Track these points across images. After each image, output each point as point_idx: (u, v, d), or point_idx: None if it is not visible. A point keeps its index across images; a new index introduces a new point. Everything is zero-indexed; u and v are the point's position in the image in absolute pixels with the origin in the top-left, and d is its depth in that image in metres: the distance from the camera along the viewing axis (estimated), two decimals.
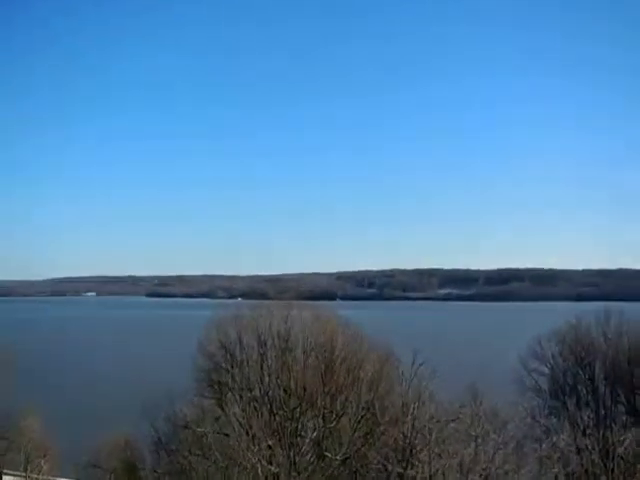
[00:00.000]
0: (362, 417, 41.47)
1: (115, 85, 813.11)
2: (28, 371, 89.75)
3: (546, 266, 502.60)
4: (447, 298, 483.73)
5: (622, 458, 33.50)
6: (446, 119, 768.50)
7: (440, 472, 36.34)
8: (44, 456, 64.23)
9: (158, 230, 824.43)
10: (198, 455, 37.22)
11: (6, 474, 69.66)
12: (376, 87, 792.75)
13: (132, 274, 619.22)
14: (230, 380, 44.93)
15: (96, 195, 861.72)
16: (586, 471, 33.95)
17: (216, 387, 46.38)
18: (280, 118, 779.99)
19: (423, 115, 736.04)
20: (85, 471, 55.41)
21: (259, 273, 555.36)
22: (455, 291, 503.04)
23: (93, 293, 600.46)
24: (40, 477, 66.17)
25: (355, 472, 39.43)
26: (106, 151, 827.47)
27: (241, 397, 42.95)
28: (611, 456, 34.22)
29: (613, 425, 41.61)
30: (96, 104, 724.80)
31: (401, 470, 36.75)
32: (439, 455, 36.29)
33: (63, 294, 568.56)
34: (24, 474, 65.74)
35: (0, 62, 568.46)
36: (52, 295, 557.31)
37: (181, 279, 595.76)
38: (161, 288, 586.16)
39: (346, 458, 39.31)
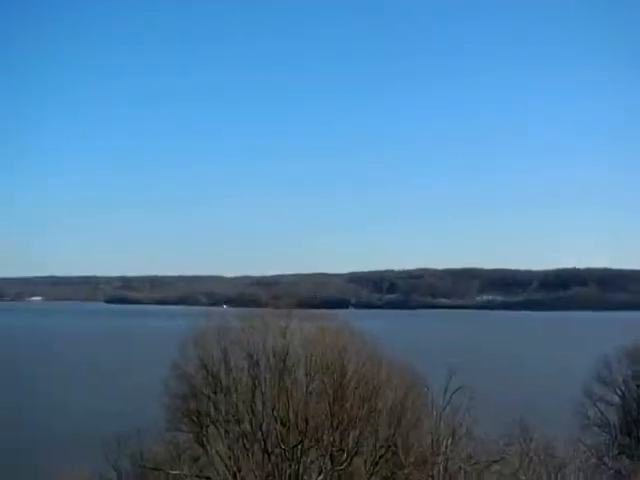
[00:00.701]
0: (380, 457, 41.57)
1: None
2: None
3: (615, 266, 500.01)
4: (489, 306, 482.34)
5: None
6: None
7: None
8: None
9: (122, 221, 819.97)
10: None
11: None
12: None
13: (89, 274, 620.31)
14: (213, 410, 45.02)
15: (47, 176, 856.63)
16: None
17: (195, 418, 46.44)
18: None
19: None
20: None
21: (249, 274, 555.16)
22: (500, 297, 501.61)
23: (39, 297, 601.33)
24: None
25: None
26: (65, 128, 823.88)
27: (227, 431, 43.02)
28: None
29: None
30: None
31: None
32: None
33: (0, 298, 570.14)
34: None
35: None
36: None
37: (151, 281, 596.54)
38: (125, 292, 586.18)
39: None
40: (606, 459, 44.80)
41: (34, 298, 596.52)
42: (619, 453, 47.56)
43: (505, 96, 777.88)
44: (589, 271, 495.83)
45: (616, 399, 59.14)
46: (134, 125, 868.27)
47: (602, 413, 58.67)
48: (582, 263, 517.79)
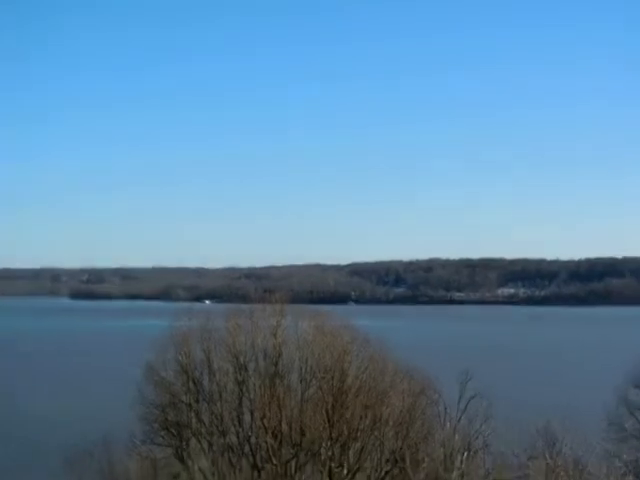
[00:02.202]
0: (387, 473, 41.84)
1: None
2: None
3: None
4: (511, 301, 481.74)
5: None
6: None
7: None
8: None
9: (88, 205, 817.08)
10: None
11: None
12: None
13: (50, 266, 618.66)
14: (195, 420, 45.26)
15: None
16: None
17: (174, 430, 46.69)
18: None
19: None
20: None
21: (236, 265, 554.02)
22: (523, 291, 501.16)
23: None
24: None
25: None
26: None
27: (210, 445, 43.28)
28: None
29: None
30: None
31: None
32: None
33: None
34: None
35: None
36: None
37: (123, 274, 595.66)
38: (93, 286, 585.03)
39: None
40: None
41: None
42: None
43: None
44: (627, 260, 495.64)
45: None
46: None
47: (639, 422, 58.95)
48: (620, 251, 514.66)
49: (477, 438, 39.96)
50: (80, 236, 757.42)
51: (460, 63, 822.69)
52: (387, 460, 42.03)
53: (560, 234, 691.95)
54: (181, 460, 42.23)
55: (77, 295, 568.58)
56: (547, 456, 39.11)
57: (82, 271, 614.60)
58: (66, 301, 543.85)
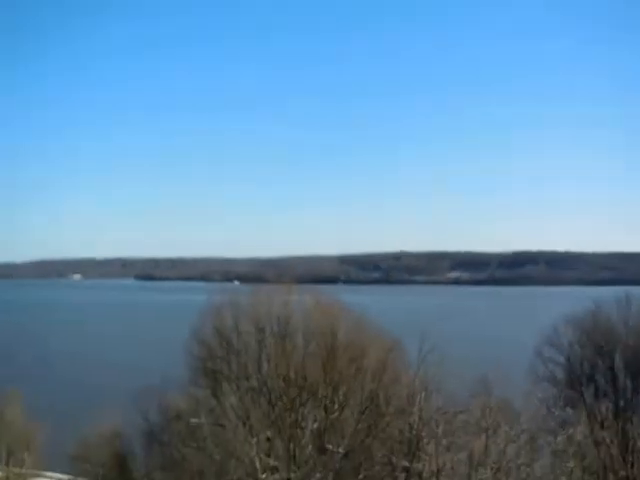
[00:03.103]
0: (366, 408, 41.68)
1: None
2: (8, 357, 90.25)
3: (562, 249, 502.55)
4: (457, 282, 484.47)
5: None
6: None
7: (448, 466, 36.65)
8: (27, 448, 64.78)
9: (150, 211, 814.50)
10: (192, 447, 37.53)
11: None
12: None
13: (122, 256, 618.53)
14: (226, 369, 45.12)
15: (84, 174, 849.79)
16: (604, 466, 34.18)
17: (211, 376, 46.57)
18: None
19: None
20: (72, 464, 55.84)
21: (257, 256, 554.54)
22: (466, 275, 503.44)
23: (79, 276, 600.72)
24: (23, 471, 66.76)
25: (358, 466, 39.70)
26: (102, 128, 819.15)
27: (238, 387, 43.16)
28: (631, 450, 34.45)
29: (633, 417, 41.82)
30: None
31: (407, 464, 37.07)
32: (447, 448, 36.58)
33: (47, 276, 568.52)
34: (5, 469, 66.28)
35: None
36: (35, 277, 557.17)
37: (175, 262, 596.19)
38: (153, 271, 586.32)
39: (349, 451, 39.58)
40: (554, 409, 45.01)
41: (75, 276, 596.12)
42: (564, 405, 47.79)
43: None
44: (540, 253, 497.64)
45: (562, 359, 59.34)
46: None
47: (551, 371, 58.87)
48: (534, 246, 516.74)
49: (432, 382, 39.75)
50: (143, 231, 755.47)
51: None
52: (366, 398, 41.87)
53: (493, 231, 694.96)
54: (216, 398, 42.04)
55: (142, 277, 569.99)
56: (483, 396, 39.02)
57: (146, 260, 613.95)
58: (134, 282, 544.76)
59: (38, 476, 68.92)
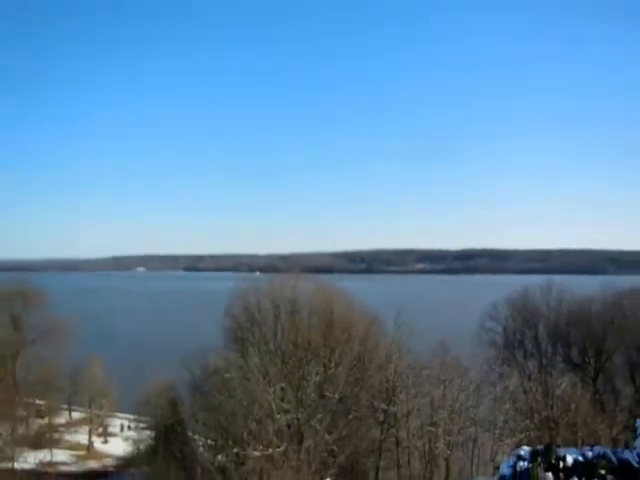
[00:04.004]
0: (354, 366, 41.67)
1: None
2: (92, 329, 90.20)
3: (501, 247, 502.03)
4: (422, 272, 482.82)
5: (560, 398, 33.60)
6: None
7: (416, 408, 36.72)
8: (104, 396, 64.78)
9: (194, 216, 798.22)
10: (225, 395, 37.40)
11: (74, 411, 70.28)
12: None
13: (173, 253, 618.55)
14: (250, 336, 45.07)
15: (146, 191, 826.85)
16: (531, 408, 34.11)
17: (239, 342, 46.52)
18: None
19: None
20: (137, 408, 55.88)
21: (274, 252, 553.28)
22: (429, 266, 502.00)
23: (143, 268, 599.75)
24: (101, 413, 66.76)
25: (349, 408, 39.70)
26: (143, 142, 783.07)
27: (259, 350, 43.09)
28: (550, 396, 34.32)
29: (552, 372, 41.76)
30: None
31: (385, 407, 37.09)
32: (415, 395, 36.64)
33: (119, 269, 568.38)
34: (88, 411, 66.31)
35: None
36: (110, 270, 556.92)
37: (213, 257, 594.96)
38: (196, 264, 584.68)
39: (342, 397, 39.57)
40: (494, 366, 44.95)
41: (139, 269, 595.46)
42: (502, 363, 47.75)
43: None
44: (484, 250, 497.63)
45: (500, 329, 59.41)
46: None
47: (492, 338, 58.96)
48: (480, 244, 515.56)
49: (403, 346, 39.75)
50: (190, 233, 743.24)
51: None
52: (355, 358, 41.84)
53: (449, 232, 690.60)
54: (243, 358, 41.82)
55: (188, 269, 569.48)
56: (441, 355, 39.00)
57: (191, 256, 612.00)
58: (182, 272, 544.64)
59: (112, 417, 68.94)
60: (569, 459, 10.83)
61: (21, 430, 47.10)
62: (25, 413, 53.40)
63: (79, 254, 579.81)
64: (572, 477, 10.78)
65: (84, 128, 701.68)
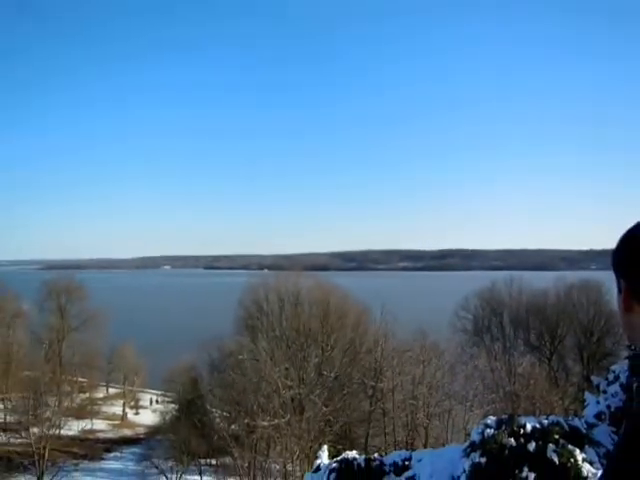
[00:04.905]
0: (347, 349, 41.72)
1: None
2: (125, 319, 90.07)
3: (470, 247, 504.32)
4: (404, 269, 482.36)
5: (521, 375, 33.65)
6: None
7: (399, 385, 36.64)
8: (136, 374, 64.66)
9: (212, 221, 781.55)
10: (238, 374, 37.39)
11: (111, 387, 70.08)
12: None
13: (193, 254, 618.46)
14: (259, 324, 45.11)
15: (171, 196, 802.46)
16: (496, 384, 34.11)
17: (250, 329, 46.55)
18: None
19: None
20: (164, 384, 55.78)
21: (279, 253, 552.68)
22: (410, 264, 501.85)
23: (168, 267, 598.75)
24: (134, 389, 66.55)
25: (343, 385, 39.71)
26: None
27: (267, 336, 43.14)
28: (513, 373, 34.39)
29: (515, 353, 41.78)
30: None
31: (373, 383, 37.02)
32: (399, 373, 36.55)
33: (147, 267, 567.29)
34: (123, 387, 66.13)
35: None
36: (140, 268, 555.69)
37: (227, 257, 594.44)
38: (214, 263, 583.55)
39: (337, 376, 39.58)
40: (465, 348, 44.90)
41: (165, 267, 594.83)
42: (472, 345, 47.74)
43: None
44: (456, 250, 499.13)
45: (470, 317, 59.40)
46: None
47: (464, 325, 58.94)
48: (452, 245, 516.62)
49: (389, 332, 39.67)
50: (207, 237, 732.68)
51: None
52: (348, 342, 41.89)
53: (427, 235, 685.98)
54: (254, 343, 41.82)
55: (207, 267, 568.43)
56: (421, 339, 38.97)
57: (208, 256, 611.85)
58: (202, 271, 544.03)
59: (143, 392, 68.75)
60: (528, 426, 10.90)
61: (66, 403, 47.01)
62: (70, 389, 53.37)
63: (112, 254, 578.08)
64: (530, 441, 10.84)
65: (107, 134, 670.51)
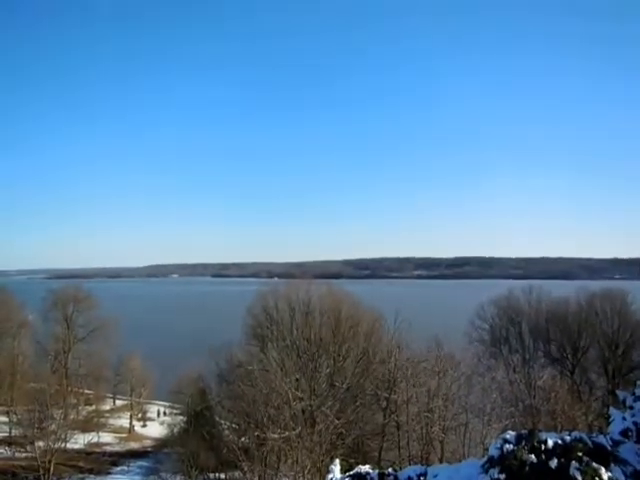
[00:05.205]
0: (360, 359, 41.37)
1: None
2: (132, 328, 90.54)
3: (487, 255, 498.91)
4: (419, 277, 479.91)
5: (541, 388, 33.08)
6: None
7: (414, 396, 36.22)
8: (143, 386, 64.85)
9: (220, 229, 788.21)
10: (247, 385, 37.27)
11: (118, 399, 70.35)
12: None
13: (202, 262, 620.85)
14: (269, 333, 45.05)
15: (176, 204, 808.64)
16: (515, 397, 33.59)
17: (259, 338, 46.53)
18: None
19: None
20: (171, 396, 55.84)
21: (289, 260, 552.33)
22: (425, 272, 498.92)
23: (176, 275, 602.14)
24: (141, 401, 66.73)
25: (355, 396, 39.36)
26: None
27: (277, 345, 43.03)
28: (533, 386, 33.84)
29: (534, 366, 41.14)
30: None
31: (387, 395, 36.66)
32: (413, 385, 36.15)
33: (156, 276, 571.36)
34: (130, 399, 66.33)
35: None
36: (148, 277, 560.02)
37: (236, 265, 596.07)
38: (222, 271, 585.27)
39: (349, 387, 39.25)
40: (482, 360, 44.34)
41: (173, 275, 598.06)
42: (489, 357, 47.17)
43: None
44: (473, 257, 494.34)
45: (487, 327, 58.73)
46: None
47: (480, 334, 58.30)
48: (469, 253, 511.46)
49: (403, 341, 39.34)
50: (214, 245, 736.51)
51: None
52: (360, 352, 41.56)
53: (442, 242, 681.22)
54: (263, 352, 41.74)
55: (215, 276, 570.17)
56: (436, 350, 38.53)
57: (217, 264, 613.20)
58: (210, 279, 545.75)
59: (150, 404, 68.91)
60: (550, 442, 10.56)
61: (72, 415, 47.15)
62: (76, 401, 53.57)
63: (121, 263, 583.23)
64: (552, 458, 10.51)
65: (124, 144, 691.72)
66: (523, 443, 10.71)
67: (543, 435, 10.89)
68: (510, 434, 11.36)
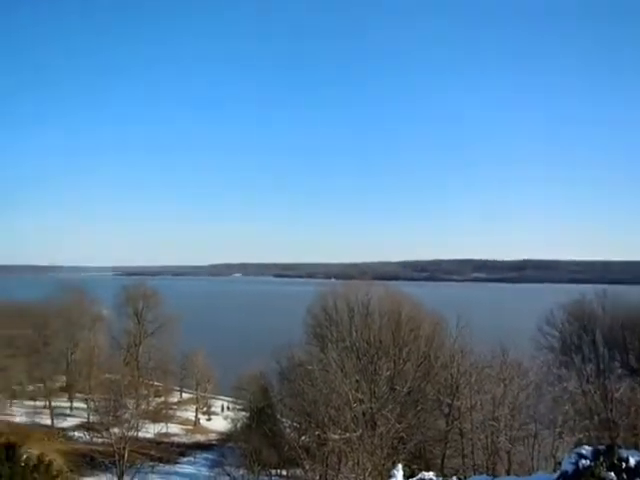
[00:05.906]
0: (421, 363, 40.02)
1: None
2: (196, 326, 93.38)
3: (547, 257, 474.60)
4: (478, 280, 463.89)
5: (619, 401, 30.34)
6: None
7: (478, 404, 34.51)
8: (208, 381, 66.50)
9: (282, 230, 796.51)
10: (308, 384, 37.01)
11: (184, 392, 72.65)
12: None
13: (264, 262, 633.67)
14: (329, 334, 44.66)
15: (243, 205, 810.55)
16: (590, 409, 31.04)
17: (319, 338, 46.25)
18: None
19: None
20: (234, 392, 56.79)
21: (346, 261, 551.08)
22: (484, 275, 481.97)
23: (239, 274, 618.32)
24: (206, 395, 68.52)
25: (417, 401, 38.03)
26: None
27: (337, 346, 42.49)
28: (610, 399, 31.13)
29: (610, 376, 37.98)
30: None
31: (450, 401, 35.16)
32: (477, 392, 34.45)
33: (219, 275, 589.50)
34: (195, 392, 68.24)
35: None
36: (212, 275, 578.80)
37: (295, 265, 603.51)
38: (283, 271, 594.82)
39: (410, 391, 37.96)
40: (552, 368, 41.59)
41: (237, 274, 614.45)
42: (560, 366, 44.16)
43: None
44: (533, 260, 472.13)
45: (557, 333, 55.13)
46: None
47: (549, 341, 54.85)
48: (530, 256, 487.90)
49: (466, 346, 37.62)
50: (277, 246, 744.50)
51: None
52: (421, 356, 40.21)
53: (503, 245, 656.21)
54: (323, 353, 41.44)
55: (276, 275, 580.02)
56: (501, 356, 36.51)
57: (278, 264, 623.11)
58: (272, 278, 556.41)
59: (214, 398, 70.60)
60: (631, 460, 9.36)
61: (143, 406, 49.08)
62: (146, 392, 55.78)
63: (185, 262, 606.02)
64: (635, 478, 9.26)
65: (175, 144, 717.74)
66: (601, 459, 9.53)
67: (624, 452, 9.63)
68: (586, 449, 10.17)
